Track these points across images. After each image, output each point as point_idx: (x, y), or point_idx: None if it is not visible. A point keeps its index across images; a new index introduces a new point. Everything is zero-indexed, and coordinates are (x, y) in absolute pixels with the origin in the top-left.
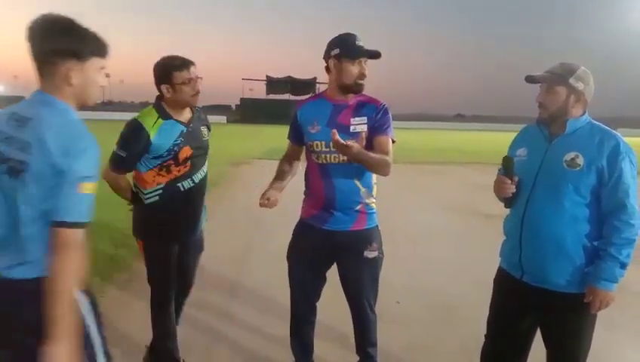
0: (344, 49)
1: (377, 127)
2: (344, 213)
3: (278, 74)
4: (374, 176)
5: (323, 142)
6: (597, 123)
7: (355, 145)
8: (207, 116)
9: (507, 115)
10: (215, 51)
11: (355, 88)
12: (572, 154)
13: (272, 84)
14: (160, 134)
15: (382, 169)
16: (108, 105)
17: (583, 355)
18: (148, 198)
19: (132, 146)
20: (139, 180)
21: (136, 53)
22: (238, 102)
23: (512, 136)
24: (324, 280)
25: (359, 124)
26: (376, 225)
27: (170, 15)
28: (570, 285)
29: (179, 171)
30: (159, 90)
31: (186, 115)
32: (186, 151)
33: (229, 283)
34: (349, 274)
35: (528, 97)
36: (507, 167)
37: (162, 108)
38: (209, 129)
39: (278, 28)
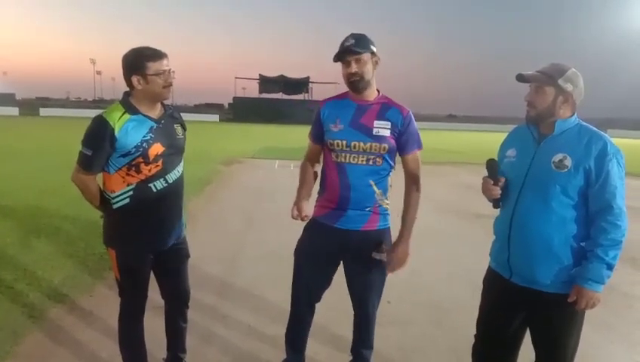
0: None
1: (407, 142)
2: (357, 212)
3: (271, 73)
4: (390, 179)
5: (344, 141)
6: (585, 124)
7: (405, 247)
8: (200, 114)
9: (498, 115)
10: (208, 49)
11: (351, 88)
12: (560, 156)
13: (265, 82)
14: (126, 129)
15: (418, 202)
16: (99, 103)
17: (571, 355)
18: (117, 202)
19: (97, 143)
20: (107, 184)
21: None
22: (231, 101)
23: (503, 136)
24: (328, 282)
25: (382, 128)
26: (388, 227)
27: (164, 12)
28: (558, 286)
29: (149, 171)
30: (129, 82)
31: (157, 110)
32: (156, 149)
33: (219, 282)
34: (355, 274)
35: (519, 98)
36: (491, 169)
37: (129, 103)
38: (184, 128)
39: (271, 27)
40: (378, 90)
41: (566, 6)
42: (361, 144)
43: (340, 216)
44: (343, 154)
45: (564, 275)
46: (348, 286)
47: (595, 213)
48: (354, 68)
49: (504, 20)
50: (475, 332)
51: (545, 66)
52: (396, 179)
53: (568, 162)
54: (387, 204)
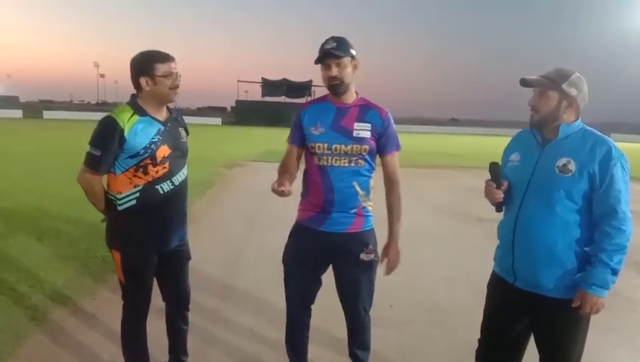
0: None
1: (386, 143)
2: (341, 214)
3: (273, 76)
4: (372, 181)
5: (325, 145)
6: (589, 128)
7: (396, 248)
8: (203, 117)
9: (500, 119)
10: (211, 53)
11: (331, 91)
12: (564, 160)
13: (268, 86)
14: (135, 131)
15: (401, 199)
16: (102, 106)
17: (576, 360)
18: (124, 203)
19: (106, 144)
20: (113, 185)
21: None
22: (234, 104)
23: (505, 140)
24: (319, 283)
25: (362, 130)
26: (373, 228)
27: (167, 15)
28: (562, 290)
29: (157, 172)
30: (137, 84)
31: (163, 113)
32: (164, 151)
33: (221, 285)
34: (345, 276)
35: (521, 102)
36: (493, 172)
37: (138, 104)
38: (187, 132)
39: (274, 30)
40: (357, 93)
41: (567, 6)
42: (342, 146)
43: (324, 218)
44: (325, 157)
45: (567, 280)
46: (337, 288)
47: (599, 218)
48: (334, 71)
49: (508, 21)
50: (477, 335)
51: (549, 71)
52: (383, 183)
53: (572, 166)
54: (370, 205)
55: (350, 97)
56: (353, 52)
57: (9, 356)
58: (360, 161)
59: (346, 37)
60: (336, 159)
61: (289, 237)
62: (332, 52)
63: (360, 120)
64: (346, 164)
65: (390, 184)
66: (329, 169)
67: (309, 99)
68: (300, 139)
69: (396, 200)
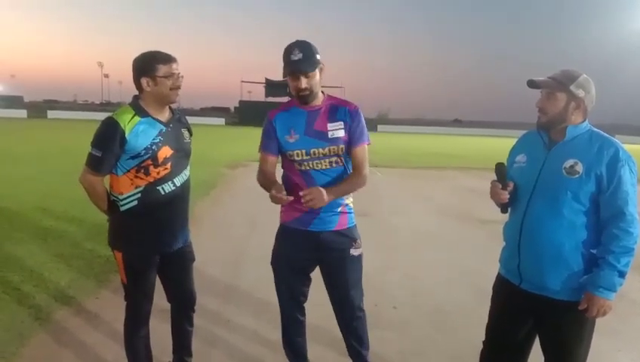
0: (283, 65)
1: (353, 137)
2: (328, 213)
3: (277, 77)
4: None
5: (303, 151)
6: (597, 130)
7: (326, 195)
8: (206, 118)
9: (504, 120)
10: (213, 53)
11: (300, 101)
12: (571, 162)
13: (271, 86)
14: (136, 132)
15: (357, 188)
16: (107, 106)
17: None
18: (125, 204)
19: (107, 145)
20: (115, 186)
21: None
22: (237, 105)
23: (509, 141)
24: (309, 279)
25: (337, 130)
26: (355, 224)
27: (171, 16)
28: (568, 292)
29: (158, 173)
30: (138, 84)
31: (165, 114)
32: (165, 151)
33: (223, 286)
34: (336, 273)
35: (526, 103)
36: (499, 173)
37: (139, 106)
38: (190, 133)
39: (274, 30)
40: (323, 92)
41: (567, 6)
42: (320, 150)
43: (312, 218)
44: (306, 163)
45: (574, 282)
46: (328, 286)
47: (606, 220)
48: (304, 83)
49: (508, 21)
50: (478, 337)
51: (556, 72)
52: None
53: (579, 168)
54: (352, 202)
55: (318, 100)
56: (319, 57)
57: (13, 355)
58: (339, 160)
59: (309, 40)
60: (316, 163)
61: (275, 240)
62: (301, 68)
63: (331, 120)
64: (327, 166)
65: (356, 171)
66: (312, 172)
67: None
68: (276, 148)
69: (354, 181)
